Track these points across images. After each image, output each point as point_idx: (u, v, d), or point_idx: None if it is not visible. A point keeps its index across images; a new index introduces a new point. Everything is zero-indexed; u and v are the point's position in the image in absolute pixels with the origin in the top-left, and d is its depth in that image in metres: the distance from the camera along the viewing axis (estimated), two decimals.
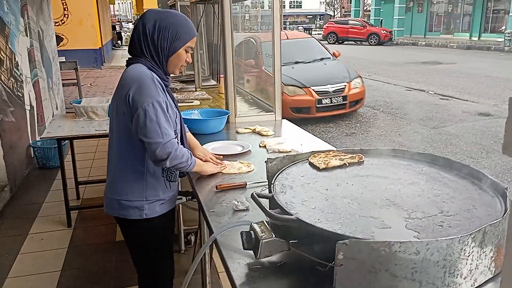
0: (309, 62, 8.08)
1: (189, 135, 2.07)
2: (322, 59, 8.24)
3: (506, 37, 18.13)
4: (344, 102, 7.25)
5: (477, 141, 5.92)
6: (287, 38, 8.26)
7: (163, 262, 1.89)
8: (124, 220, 1.75)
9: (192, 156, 1.74)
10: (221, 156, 2.05)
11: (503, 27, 21.04)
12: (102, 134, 3.16)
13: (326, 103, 7.14)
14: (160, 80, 1.66)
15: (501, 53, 17.26)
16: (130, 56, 1.72)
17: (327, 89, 7.15)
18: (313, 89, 7.08)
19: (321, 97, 7.08)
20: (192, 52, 1.76)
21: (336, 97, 7.17)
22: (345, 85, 7.29)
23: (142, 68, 1.64)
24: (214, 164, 1.92)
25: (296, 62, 7.85)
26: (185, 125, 2.09)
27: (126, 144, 1.69)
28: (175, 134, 1.68)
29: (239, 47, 7.70)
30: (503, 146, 0.61)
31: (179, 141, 1.71)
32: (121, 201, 1.72)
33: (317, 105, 7.06)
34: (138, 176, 1.70)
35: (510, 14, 19.85)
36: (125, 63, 1.73)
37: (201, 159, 1.91)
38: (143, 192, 1.72)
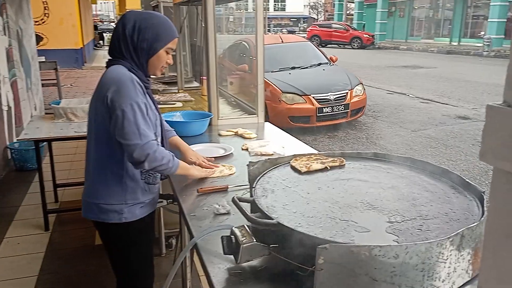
0: (306, 67, 7.63)
1: (178, 138, 2.04)
2: (319, 64, 7.80)
3: (484, 42, 18.54)
4: (345, 110, 6.78)
5: (456, 144, 6.02)
6: (282, 41, 7.98)
7: (143, 266, 1.86)
8: (103, 224, 1.72)
9: (175, 158, 1.71)
10: (213, 159, 2.04)
11: (482, 33, 21.52)
12: (81, 136, 3.10)
13: (327, 112, 6.65)
14: (140, 82, 1.64)
15: (480, 58, 17.64)
16: (110, 57, 1.70)
17: (328, 97, 6.67)
18: (313, 97, 6.60)
19: (322, 106, 6.59)
20: (174, 53, 1.75)
21: (338, 105, 6.70)
22: (346, 93, 6.83)
23: (121, 70, 1.62)
24: (205, 167, 1.89)
25: (293, 68, 7.44)
26: (173, 129, 2.08)
27: (105, 146, 1.66)
28: (155, 137, 1.66)
29: (230, 50, 7.51)
30: (480, 153, 0.62)
31: (159, 144, 1.68)
32: (100, 205, 1.69)
33: (318, 114, 6.58)
34: (117, 179, 1.67)
35: (489, 20, 20.31)
36: (105, 64, 1.70)
37: (194, 163, 1.89)
38: (122, 195, 1.69)
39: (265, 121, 2.98)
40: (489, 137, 0.60)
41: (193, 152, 2.00)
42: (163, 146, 1.76)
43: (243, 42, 7.46)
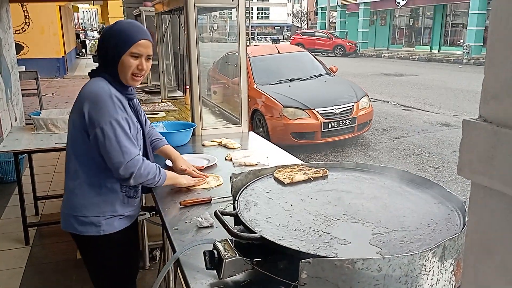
0: (306, 79, 7.09)
1: (169, 147, 2.03)
2: (320, 75, 7.28)
3: (464, 50, 18.95)
4: (352, 125, 6.27)
5: (438, 151, 6.11)
6: (278, 52, 7.54)
7: (123, 281, 1.83)
8: (81, 237, 1.68)
9: (161, 170, 1.69)
10: (203, 167, 2.04)
11: (461, 40, 22.00)
12: (62, 148, 3.04)
13: (333, 127, 6.13)
14: (119, 95, 1.62)
15: (459, 66, 18.01)
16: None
17: (333, 111, 6.16)
18: (317, 111, 6.09)
19: (327, 120, 6.06)
20: (150, 57, 1.68)
21: (344, 119, 6.20)
22: (352, 105, 6.33)
23: (100, 83, 1.60)
24: (195, 176, 1.88)
25: (292, 79, 6.95)
26: (163, 138, 2.06)
27: (83, 159, 1.63)
28: (139, 150, 1.64)
29: (222, 61, 7.13)
30: (458, 168, 0.62)
31: (143, 159, 1.65)
32: (77, 217, 1.66)
33: (323, 130, 6.05)
34: (95, 191, 1.64)
35: (467, 28, 20.78)
36: (88, 74, 1.69)
37: (184, 171, 1.90)
38: (100, 207, 1.65)
39: (249, 131, 2.97)
40: (466, 152, 0.60)
41: (184, 160, 1.98)
42: (147, 158, 1.74)
43: (237, 53, 7.11)
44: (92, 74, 1.67)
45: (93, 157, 1.61)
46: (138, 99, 4.26)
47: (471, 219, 0.63)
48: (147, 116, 3.37)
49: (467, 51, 18.75)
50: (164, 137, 2.47)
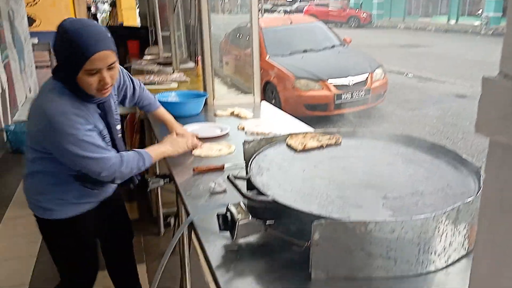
0: (320, 50, 6.96)
1: (161, 110, 2.03)
2: (333, 46, 7.15)
3: (482, 21, 18.37)
4: (366, 96, 6.18)
5: (454, 122, 6.03)
6: (291, 22, 7.44)
7: (80, 267, 1.82)
8: (38, 218, 1.68)
9: (143, 154, 1.61)
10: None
11: (480, 11, 21.29)
12: None
13: (346, 99, 6.07)
14: (79, 105, 1.48)
15: (477, 36, 17.50)
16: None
17: (346, 82, 6.09)
18: (330, 83, 6.04)
19: (340, 92, 6.00)
20: (113, 65, 1.45)
21: (357, 91, 6.11)
22: (366, 77, 6.23)
23: (54, 97, 1.45)
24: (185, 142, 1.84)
25: (305, 51, 6.80)
26: (155, 99, 2.03)
27: (39, 150, 1.56)
28: (112, 151, 1.56)
29: (234, 33, 7.02)
30: (476, 124, 0.61)
31: (120, 156, 1.56)
32: (32, 200, 1.66)
33: (336, 101, 6.02)
34: (50, 179, 1.60)
35: None
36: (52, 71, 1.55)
37: (182, 135, 1.88)
38: (52, 194, 1.62)
39: (261, 100, 2.95)
40: (485, 109, 0.59)
41: (180, 127, 2.01)
42: (116, 147, 1.66)
43: (249, 24, 6.99)
44: (54, 75, 1.52)
45: (49, 152, 1.52)
46: (150, 70, 4.26)
47: (487, 177, 0.62)
48: (159, 86, 3.38)
49: (485, 21, 18.17)
50: (177, 107, 2.49)
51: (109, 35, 1.46)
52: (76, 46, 1.37)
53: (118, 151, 1.62)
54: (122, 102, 1.90)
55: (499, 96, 0.58)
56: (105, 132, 1.61)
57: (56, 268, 1.82)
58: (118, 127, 1.72)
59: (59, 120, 1.41)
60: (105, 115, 1.61)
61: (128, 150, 1.66)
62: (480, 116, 0.61)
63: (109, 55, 1.43)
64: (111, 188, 1.82)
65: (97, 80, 1.44)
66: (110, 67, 1.45)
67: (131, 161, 1.57)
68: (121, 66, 1.70)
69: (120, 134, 1.73)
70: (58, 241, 1.75)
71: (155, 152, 1.69)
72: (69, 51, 1.39)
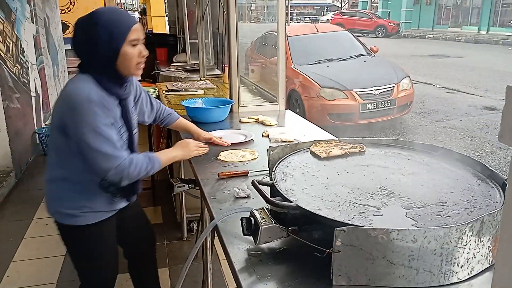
0: (346, 59, 6.97)
1: (182, 120, 2.08)
2: (359, 55, 7.16)
3: None
4: (392, 106, 6.15)
5: (482, 135, 5.89)
6: (317, 31, 7.46)
7: (103, 271, 1.83)
8: (61, 224, 1.67)
9: (152, 158, 1.62)
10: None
11: None
12: None
13: (371, 108, 6.03)
14: (106, 97, 1.51)
15: (509, 47, 17.07)
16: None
17: (372, 92, 6.06)
18: (356, 92, 6.02)
19: (365, 101, 5.98)
20: (144, 42, 1.54)
21: (383, 101, 6.09)
22: (392, 87, 6.21)
23: (83, 85, 1.48)
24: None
25: (330, 60, 6.84)
26: (173, 111, 2.07)
27: (63, 154, 1.59)
28: (126, 152, 1.57)
29: (260, 41, 7.12)
30: (500, 134, 0.62)
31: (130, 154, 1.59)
32: (56, 207, 1.66)
33: (361, 111, 5.98)
34: (73, 186, 1.62)
35: None
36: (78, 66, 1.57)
37: (210, 139, 2.02)
38: (77, 202, 1.63)
39: (286, 109, 2.98)
40: (509, 118, 0.60)
41: (204, 133, 2.07)
42: (132, 150, 1.67)
43: (275, 33, 7.04)
44: (81, 68, 1.55)
45: (73, 154, 1.55)
46: (177, 77, 4.34)
47: (510, 187, 0.62)
48: (186, 93, 3.45)
49: None
50: (203, 113, 2.54)
51: None
52: (117, 21, 1.47)
53: (131, 153, 1.63)
54: (141, 118, 1.90)
55: None
56: (123, 130, 1.62)
57: (77, 271, 1.83)
58: (136, 130, 1.74)
59: (84, 107, 1.43)
60: (125, 113, 1.62)
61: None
62: (503, 125, 0.62)
63: (141, 29, 1.55)
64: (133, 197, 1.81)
65: (137, 52, 1.52)
66: (142, 43, 1.55)
67: (140, 164, 1.56)
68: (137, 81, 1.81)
69: (137, 139, 1.76)
70: (80, 246, 1.75)
71: (165, 156, 1.71)
72: (110, 29, 1.45)
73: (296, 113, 2.95)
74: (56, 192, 1.66)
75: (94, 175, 1.54)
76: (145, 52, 1.54)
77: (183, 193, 2.76)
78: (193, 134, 2.08)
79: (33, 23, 5.49)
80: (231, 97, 2.88)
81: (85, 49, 1.50)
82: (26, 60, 5.00)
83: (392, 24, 24.55)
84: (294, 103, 6.42)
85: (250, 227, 1.13)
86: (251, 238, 1.14)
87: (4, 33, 4.38)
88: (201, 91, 3.61)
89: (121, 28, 1.47)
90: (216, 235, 1.31)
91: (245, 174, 1.71)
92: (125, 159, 1.52)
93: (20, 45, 4.84)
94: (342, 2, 48.09)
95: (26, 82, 4.91)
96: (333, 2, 51.45)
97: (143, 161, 1.58)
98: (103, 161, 1.48)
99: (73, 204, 1.62)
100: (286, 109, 2.98)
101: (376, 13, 27.27)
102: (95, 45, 1.46)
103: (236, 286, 1.06)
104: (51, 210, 1.68)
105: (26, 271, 2.81)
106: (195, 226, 3.15)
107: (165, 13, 13.43)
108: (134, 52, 1.51)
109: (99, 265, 1.80)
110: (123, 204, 1.77)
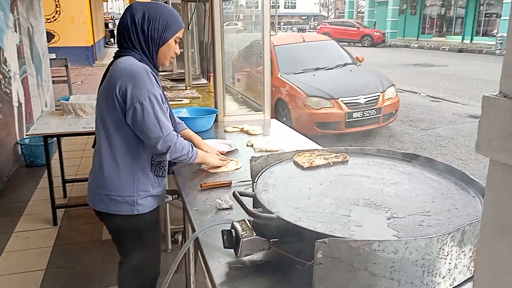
0: (331, 68, 7.01)
1: (189, 131, 2.06)
2: (345, 64, 7.18)
3: (497, 41, 18.27)
4: (377, 115, 6.19)
5: (466, 143, 5.96)
6: (303, 40, 7.46)
7: (152, 259, 1.87)
8: (113, 215, 1.70)
9: (194, 148, 1.74)
10: (225, 152, 2.09)
11: (495, 31, 21.20)
12: (89, 132, 3.13)
13: (357, 117, 6.07)
14: (153, 72, 1.64)
15: (492, 56, 17.40)
16: (119, 49, 1.69)
17: (358, 101, 6.09)
18: (341, 101, 6.04)
19: (351, 110, 6.01)
20: (180, 42, 1.75)
21: (369, 109, 6.12)
22: (378, 95, 6.22)
23: (133, 61, 1.60)
24: (218, 158, 1.92)
25: (317, 69, 6.86)
26: (183, 122, 2.09)
27: (116, 138, 1.64)
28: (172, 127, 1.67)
29: (247, 50, 6.99)
30: (476, 145, 0.61)
31: (178, 134, 1.69)
32: (111, 196, 1.67)
33: (347, 120, 6.01)
34: (129, 170, 1.66)
35: (501, 18, 20.02)
36: (114, 55, 1.69)
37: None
38: (133, 186, 1.67)
39: (271, 118, 2.97)
40: (485, 128, 0.59)
41: (207, 144, 2.03)
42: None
43: (261, 42, 7.04)
44: (120, 53, 1.66)
45: (124, 137, 1.63)
46: (163, 86, 4.33)
47: (488, 197, 0.61)
48: (171, 102, 3.43)
49: (500, 41, 18.06)
50: (184, 122, 2.51)
51: None
52: (176, 17, 1.69)
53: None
54: None
55: (499, 115, 0.58)
56: (167, 105, 1.73)
57: (122, 268, 1.86)
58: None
59: (144, 75, 1.57)
60: (163, 92, 1.73)
61: None
62: (480, 135, 0.61)
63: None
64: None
65: (176, 48, 1.72)
66: None
67: (184, 143, 1.68)
68: None
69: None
70: (135, 236, 1.76)
71: (200, 153, 1.81)
72: (169, 20, 1.64)
73: (283, 122, 2.95)
74: (110, 181, 1.66)
75: (144, 147, 1.64)
76: (178, 51, 1.73)
77: (167, 204, 2.72)
78: (195, 145, 2.04)
79: (16, 32, 5.42)
80: (216, 106, 2.86)
81: (140, 28, 1.62)
82: (9, 70, 4.92)
83: (378, 33, 24.87)
84: (281, 112, 6.42)
85: (231, 239, 1.11)
86: (232, 251, 1.12)
87: None
88: (186, 100, 3.58)
89: (177, 24, 1.68)
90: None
91: (228, 185, 1.69)
92: (173, 131, 1.64)
93: (3, 54, 4.76)
94: (329, 12, 48.69)
95: (9, 92, 4.83)
96: (319, 12, 52.05)
97: (186, 144, 1.69)
98: (156, 128, 1.57)
99: (130, 189, 1.67)
100: (271, 118, 2.97)
101: (362, 23, 27.61)
102: (153, 28, 1.62)
103: None
104: (102, 204, 1.70)
105: (6, 285, 2.73)
106: (179, 237, 3.11)
107: None
108: (175, 47, 1.71)
109: (156, 252, 1.89)
110: (162, 187, 1.80)
